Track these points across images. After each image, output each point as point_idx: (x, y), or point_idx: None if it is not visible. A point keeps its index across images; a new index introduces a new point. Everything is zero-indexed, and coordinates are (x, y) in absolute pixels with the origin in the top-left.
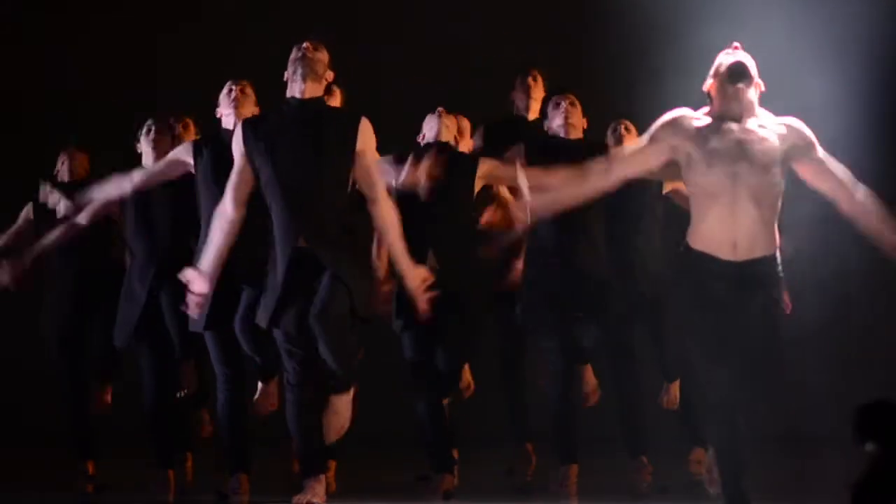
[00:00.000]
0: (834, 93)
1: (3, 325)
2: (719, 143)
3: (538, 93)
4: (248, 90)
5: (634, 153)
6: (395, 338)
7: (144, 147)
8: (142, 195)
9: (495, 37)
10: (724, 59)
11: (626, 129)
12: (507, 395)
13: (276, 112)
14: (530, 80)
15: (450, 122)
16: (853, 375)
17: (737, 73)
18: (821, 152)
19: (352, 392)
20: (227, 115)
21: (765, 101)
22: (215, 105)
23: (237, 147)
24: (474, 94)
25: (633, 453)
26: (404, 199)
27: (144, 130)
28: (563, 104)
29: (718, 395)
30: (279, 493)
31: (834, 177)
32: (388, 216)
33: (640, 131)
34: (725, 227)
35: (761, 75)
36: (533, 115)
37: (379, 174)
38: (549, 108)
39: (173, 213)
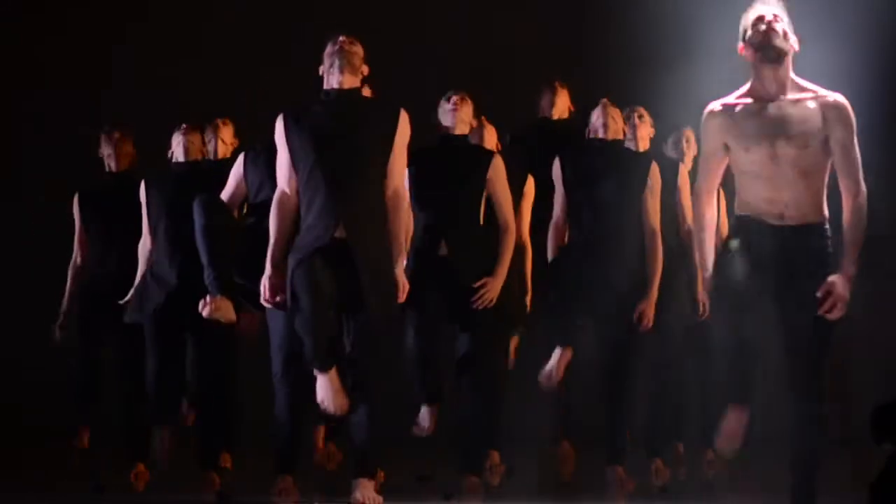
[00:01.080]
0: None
1: (3, 326)
2: (755, 128)
3: (564, 96)
4: None
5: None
6: (396, 338)
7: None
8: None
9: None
10: (751, 28)
11: (640, 116)
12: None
13: (316, 103)
14: (557, 84)
15: (465, 113)
16: (863, 376)
17: (767, 55)
18: (845, 142)
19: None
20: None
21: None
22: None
23: (280, 139)
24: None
25: (608, 460)
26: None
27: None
28: (602, 104)
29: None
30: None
31: (841, 171)
32: (400, 210)
33: (654, 118)
34: (770, 198)
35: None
36: (558, 113)
37: (402, 165)
38: (592, 112)
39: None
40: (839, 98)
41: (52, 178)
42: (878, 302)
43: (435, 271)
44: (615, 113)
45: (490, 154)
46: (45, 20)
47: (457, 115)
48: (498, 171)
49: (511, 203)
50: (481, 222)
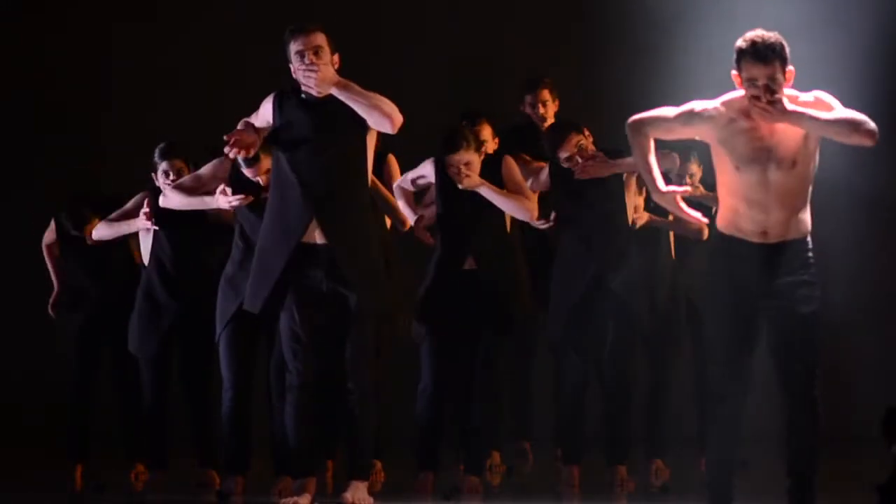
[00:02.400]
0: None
1: (3, 327)
2: (748, 150)
3: (550, 103)
4: None
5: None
6: (395, 339)
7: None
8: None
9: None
10: (746, 81)
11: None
12: (511, 395)
13: (298, 102)
14: (540, 92)
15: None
16: (863, 376)
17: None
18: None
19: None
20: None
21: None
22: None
23: (267, 113)
24: (476, 92)
25: (609, 461)
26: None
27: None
28: (567, 141)
29: (726, 392)
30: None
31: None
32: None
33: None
34: (756, 221)
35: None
36: (548, 122)
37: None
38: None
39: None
40: (814, 94)
41: (52, 179)
42: (878, 301)
43: (461, 286)
44: (586, 144)
45: (499, 158)
46: (46, 20)
47: None
48: (510, 169)
49: (527, 188)
50: (508, 229)
